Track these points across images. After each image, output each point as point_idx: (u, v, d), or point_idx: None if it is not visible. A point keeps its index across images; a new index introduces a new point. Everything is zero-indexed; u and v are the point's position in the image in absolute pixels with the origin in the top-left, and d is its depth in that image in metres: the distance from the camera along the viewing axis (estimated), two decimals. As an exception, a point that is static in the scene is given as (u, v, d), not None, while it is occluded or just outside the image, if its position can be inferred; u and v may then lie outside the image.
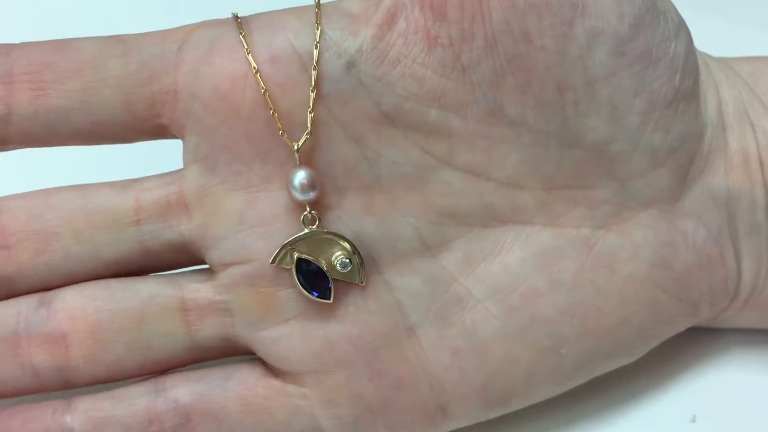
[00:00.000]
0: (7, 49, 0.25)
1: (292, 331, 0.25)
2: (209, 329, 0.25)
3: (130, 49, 0.24)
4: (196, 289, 0.25)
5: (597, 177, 0.25)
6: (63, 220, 0.25)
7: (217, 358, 0.26)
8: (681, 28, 0.25)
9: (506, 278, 0.25)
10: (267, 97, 0.24)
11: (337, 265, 0.24)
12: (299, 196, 0.24)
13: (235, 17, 0.25)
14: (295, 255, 0.24)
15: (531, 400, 0.26)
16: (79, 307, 0.25)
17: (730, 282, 0.27)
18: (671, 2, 0.26)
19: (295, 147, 0.24)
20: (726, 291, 0.27)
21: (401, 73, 0.24)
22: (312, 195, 0.24)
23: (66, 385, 0.25)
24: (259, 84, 0.24)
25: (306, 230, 0.24)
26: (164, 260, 0.26)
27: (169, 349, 0.25)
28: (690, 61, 0.25)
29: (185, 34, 0.25)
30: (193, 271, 0.26)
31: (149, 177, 0.26)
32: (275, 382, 0.25)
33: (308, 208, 0.24)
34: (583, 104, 0.24)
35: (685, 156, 0.26)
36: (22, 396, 0.25)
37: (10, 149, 0.25)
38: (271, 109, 0.24)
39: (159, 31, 0.25)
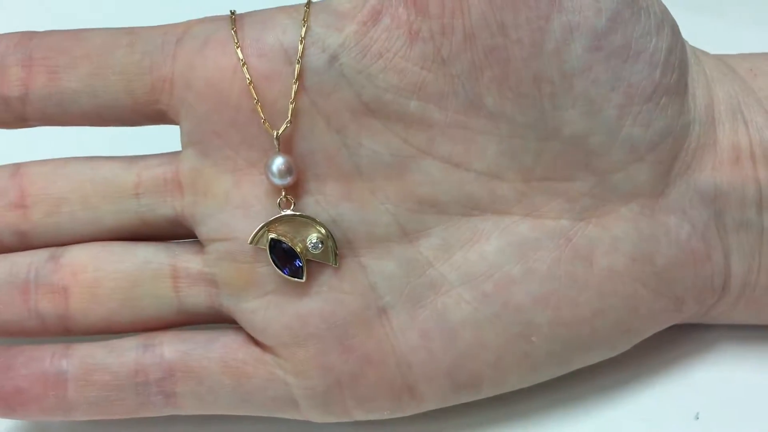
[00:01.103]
0: (31, 35, 0.27)
1: (268, 305, 0.27)
2: (196, 297, 0.28)
3: (136, 39, 0.27)
4: (188, 260, 0.28)
5: (576, 169, 0.26)
6: (72, 187, 0.28)
7: (204, 323, 0.28)
8: (664, 24, 0.26)
9: (482, 266, 0.26)
10: (252, 87, 0.26)
11: (310, 247, 0.26)
12: (276, 181, 0.26)
13: (232, 14, 0.27)
14: (270, 235, 0.26)
15: (503, 388, 0.27)
16: (81, 263, 0.28)
17: (717, 278, 0.27)
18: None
19: (275, 134, 0.26)
20: (712, 287, 0.27)
21: (383, 66, 0.25)
22: (288, 180, 0.26)
23: (66, 332, 0.28)
24: (245, 76, 0.26)
25: (282, 213, 0.26)
26: (161, 231, 0.28)
27: (157, 310, 0.28)
28: (673, 57, 0.26)
29: (186, 28, 0.27)
30: (188, 242, 0.28)
31: (152, 155, 0.28)
32: (255, 350, 0.27)
33: (283, 192, 0.26)
34: (559, 97, 0.25)
35: (668, 151, 0.26)
36: (29, 337, 0.28)
37: (30, 126, 0.28)
38: (254, 99, 0.26)
39: (164, 25, 0.27)
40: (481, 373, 0.27)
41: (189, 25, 0.27)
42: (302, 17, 0.26)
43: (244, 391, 0.27)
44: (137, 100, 0.27)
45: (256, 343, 0.27)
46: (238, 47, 0.26)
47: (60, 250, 0.28)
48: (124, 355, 0.27)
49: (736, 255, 0.27)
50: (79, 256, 0.28)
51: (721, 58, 0.29)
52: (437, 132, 0.26)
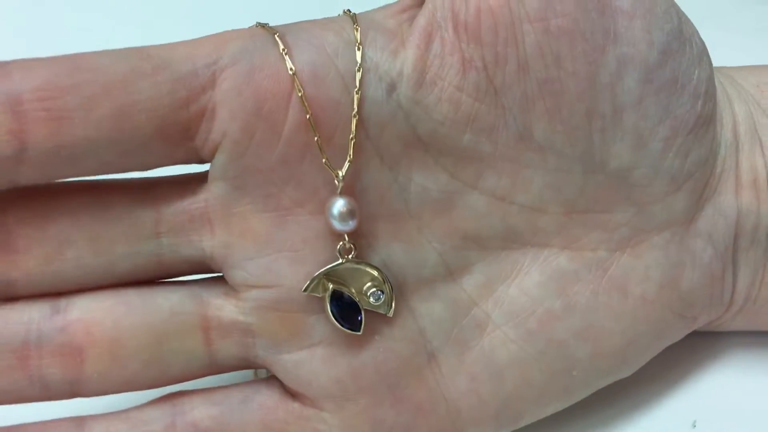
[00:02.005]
0: (6, 68, 0.21)
1: (315, 357, 0.25)
2: (230, 348, 0.25)
3: (160, 65, 0.22)
4: (219, 306, 0.24)
5: (617, 201, 0.26)
6: (79, 226, 0.23)
7: (232, 371, 0.25)
8: (704, 54, 0.26)
9: (524, 302, 0.26)
10: (312, 122, 0.23)
11: (370, 298, 0.24)
12: (339, 226, 0.23)
13: (269, 30, 0.23)
14: (330, 286, 0.24)
15: (540, 417, 0.27)
16: (96, 319, 0.24)
17: (726, 293, 0.28)
18: (695, 27, 0.26)
19: (339, 175, 0.23)
20: (722, 302, 0.28)
21: (438, 96, 0.23)
22: (351, 224, 0.23)
23: (73, 396, 0.24)
24: (304, 107, 0.23)
25: (341, 260, 0.24)
26: (180, 271, 0.25)
27: (186, 366, 0.24)
28: (711, 86, 0.26)
29: (216, 46, 0.23)
30: (215, 281, 0.25)
31: (170, 182, 0.24)
32: (295, 406, 0.25)
33: (346, 238, 0.24)
34: (609, 131, 0.24)
35: (701, 179, 0.26)
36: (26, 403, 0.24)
37: (18, 185, 0.23)
38: (316, 137, 0.23)
39: (183, 44, 0.23)
40: (524, 410, 0.26)
41: (218, 42, 0.23)
42: (351, 36, 0.23)
43: None
44: (170, 141, 0.23)
45: (294, 396, 0.25)
46: (293, 73, 0.23)
47: (63, 301, 0.24)
48: (151, 427, 0.24)
49: (743, 272, 0.28)
50: (90, 309, 0.24)
51: (729, 74, 0.29)
52: (485, 165, 0.24)
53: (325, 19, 0.25)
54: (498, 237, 0.25)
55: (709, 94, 0.26)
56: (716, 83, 0.27)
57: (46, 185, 0.23)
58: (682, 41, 0.25)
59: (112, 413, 0.24)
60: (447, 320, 0.25)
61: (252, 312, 0.24)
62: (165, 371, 0.24)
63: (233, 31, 0.24)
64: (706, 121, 0.26)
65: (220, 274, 0.25)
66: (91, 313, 0.24)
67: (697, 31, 0.26)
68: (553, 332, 0.26)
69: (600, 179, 0.25)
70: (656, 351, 0.28)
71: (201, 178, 0.24)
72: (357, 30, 0.23)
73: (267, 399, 0.25)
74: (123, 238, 0.23)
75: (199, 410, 0.24)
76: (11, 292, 0.23)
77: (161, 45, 0.23)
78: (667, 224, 0.26)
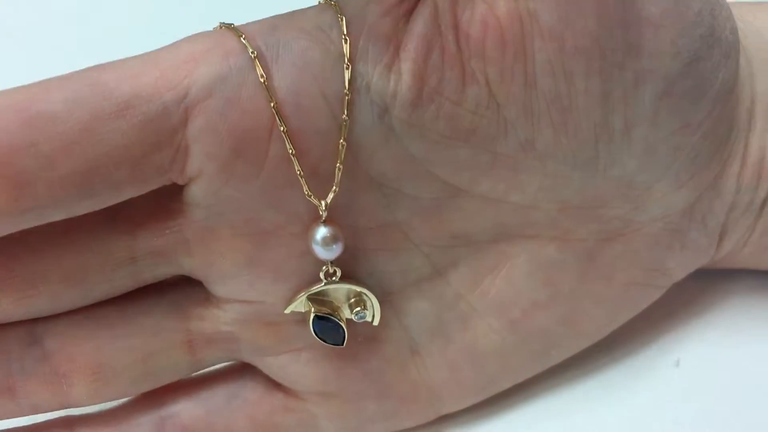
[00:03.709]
0: None
1: (300, 360, 0.25)
2: (215, 354, 0.25)
3: (124, 105, 0.20)
4: (201, 317, 0.24)
5: (614, 199, 0.24)
6: (50, 263, 0.22)
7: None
8: (732, 48, 0.23)
9: (509, 293, 0.25)
10: (295, 158, 0.21)
11: (354, 317, 0.24)
12: (323, 254, 0.23)
13: (251, 51, 0.21)
14: (313, 311, 0.23)
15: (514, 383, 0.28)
16: (78, 346, 0.23)
17: (710, 256, 0.28)
18: (729, 12, 0.23)
19: (323, 205, 0.22)
20: (703, 262, 0.28)
21: (434, 114, 0.22)
22: (336, 250, 0.23)
23: (65, 408, 0.24)
24: (285, 143, 0.21)
25: (325, 283, 0.23)
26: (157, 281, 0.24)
27: (173, 374, 0.24)
28: (734, 83, 0.24)
29: (186, 73, 0.20)
30: (195, 287, 0.24)
31: (143, 203, 0.22)
32: (279, 396, 0.25)
33: (329, 263, 0.23)
34: (617, 143, 0.23)
35: (706, 175, 0.25)
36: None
37: None
38: (298, 172, 0.21)
39: (148, 69, 0.20)
40: (502, 386, 0.27)
41: (188, 67, 0.20)
42: (341, 49, 0.21)
43: None
44: (143, 181, 0.21)
45: (278, 387, 0.25)
46: (274, 106, 0.20)
47: (40, 328, 0.23)
48: (139, 430, 0.24)
49: (730, 236, 0.27)
50: (70, 336, 0.23)
51: (762, 33, 0.26)
52: (481, 173, 0.23)
53: (308, 18, 0.22)
54: (488, 233, 0.24)
55: (733, 94, 0.24)
56: (741, 56, 0.24)
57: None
58: (711, 43, 0.22)
59: (101, 415, 0.25)
60: (431, 316, 0.25)
61: (235, 323, 0.24)
62: (153, 382, 0.24)
63: (204, 43, 0.21)
64: (722, 120, 0.24)
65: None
66: (72, 341, 0.23)
67: (730, 18, 0.23)
68: (536, 321, 0.26)
69: (599, 182, 0.24)
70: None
71: (176, 194, 0.22)
72: (346, 41, 0.21)
73: (251, 393, 0.25)
74: (97, 268, 0.22)
75: (186, 411, 0.25)
76: None
77: (123, 71, 0.20)
78: (662, 216, 0.25)
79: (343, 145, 0.21)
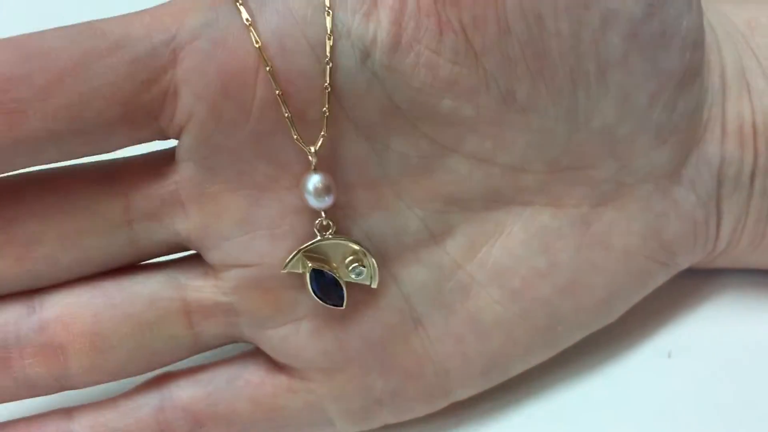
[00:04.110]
0: None
1: (300, 331, 0.24)
2: (213, 328, 0.24)
3: (115, 45, 0.21)
4: (198, 289, 0.24)
5: (600, 157, 0.25)
6: (46, 224, 0.22)
7: (219, 347, 0.25)
8: (693, 0, 0.24)
9: (508, 261, 0.25)
10: (281, 98, 0.22)
11: (352, 274, 0.24)
12: (315, 203, 0.23)
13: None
14: (309, 266, 0.23)
15: (526, 368, 0.27)
16: (74, 314, 0.23)
17: (710, 239, 0.28)
18: None
19: (312, 151, 0.22)
20: (705, 247, 0.28)
21: (414, 61, 0.22)
22: (328, 201, 0.23)
23: (62, 389, 0.24)
24: (272, 84, 0.21)
25: (320, 237, 0.23)
26: (155, 255, 0.24)
27: (172, 350, 0.24)
28: (700, 34, 0.25)
29: (174, 19, 0.21)
30: (192, 261, 0.24)
31: (135, 162, 0.23)
32: (282, 378, 0.25)
33: (323, 215, 0.23)
34: (594, 89, 0.23)
35: (687, 131, 0.26)
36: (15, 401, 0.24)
37: None
38: (286, 114, 0.22)
39: (139, 16, 0.21)
40: (511, 366, 0.26)
41: (177, 15, 0.21)
42: (323, 1, 0.22)
43: (278, 424, 0.25)
44: (134, 124, 0.21)
45: (281, 369, 0.25)
46: (259, 46, 0.21)
47: (37, 300, 0.23)
48: (140, 414, 0.24)
49: (726, 218, 0.27)
50: (67, 304, 0.23)
51: (719, 10, 0.28)
52: (466, 129, 0.23)
53: None
54: (480, 198, 0.25)
55: (698, 44, 0.24)
56: (705, 25, 0.25)
57: (7, 186, 0.23)
58: None
59: (100, 403, 0.24)
60: (431, 285, 0.25)
61: (233, 291, 0.24)
62: (151, 359, 0.24)
63: None
64: (694, 72, 0.25)
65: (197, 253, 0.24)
66: (68, 309, 0.23)
67: None
68: (536, 290, 0.25)
69: (584, 137, 0.24)
70: (639, 298, 0.28)
71: (169, 157, 0.23)
72: None
73: (253, 375, 0.25)
74: (93, 230, 0.23)
75: (186, 393, 0.24)
76: None
77: (116, 18, 0.21)
78: (650, 176, 0.26)
79: (327, 89, 0.22)
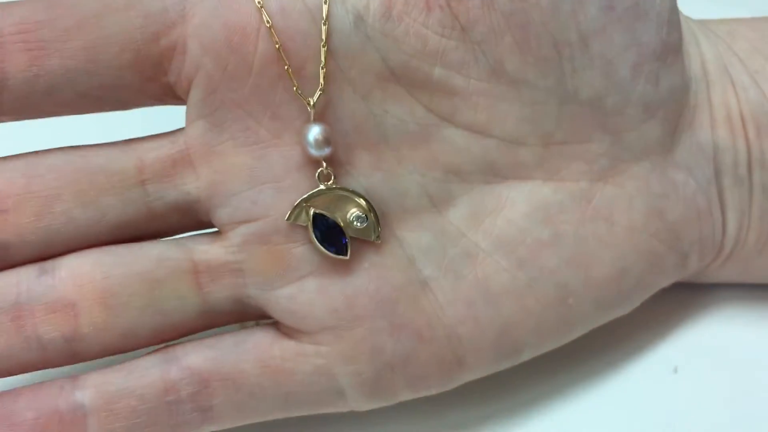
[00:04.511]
0: None
1: (308, 288, 0.25)
2: (221, 291, 0.25)
3: (133, 2, 0.23)
4: (205, 251, 0.25)
5: (593, 131, 0.26)
6: (64, 181, 0.24)
7: (229, 323, 0.25)
8: None
9: (512, 232, 0.26)
10: (281, 51, 0.24)
11: (354, 222, 0.24)
12: (314, 152, 0.24)
13: None
14: (312, 211, 0.24)
15: (539, 352, 0.27)
16: (85, 272, 0.24)
17: (717, 234, 0.28)
18: None
19: (311, 102, 0.24)
20: (713, 243, 0.28)
21: (405, 30, 0.24)
22: (327, 151, 0.24)
23: (73, 358, 0.24)
24: (272, 38, 0.24)
25: (321, 186, 0.24)
26: (169, 223, 0.25)
27: (181, 313, 0.24)
28: (674, 15, 0.27)
29: None
30: (199, 234, 0.25)
31: (149, 137, 0.25)
32: (291, 343, 0.25)
33: (324, 164, 0.24)
34: (578, 59, 0.25)
35: (674, 108, 0.27)
36: (27, 372, 0.24)
37: (2, 121, 0.24)
38: (286, 65, 0.24)
39: None
40: (524, 340, 0.26)
41: None
42: None
43: (287, 390, 0.25)
44: (143, 75, 0.23)
45: (290, 336, 0.25)
46: (261, 5, 0.24)
47: (50, 263, 0.24)
48: (146, 374, 0.24)
49: (731, 212, 0.28)
50: (78, 264, 0.24)
51: (700, 21, 0.30)
52: (460, 100, 0.25)
53: None
54: (479, 171, 0.26)
55: (673, 23, 0.26)
56: (683, 23, 0.28)
57: (30, 153, 0.24)
58: None
59: (106, 368, 0.24)
60: (436, 249, 0.25)
61: (239, 249, 0.24)
62: (162, 320, 0.24)
63: None
64: (673, 49, 0.26)
65: (206, 231, 0.25)
66: (79, 268, 0.24)
67: None
68: (543, 260, 0.26)
69: (575, 109, 0.26)
70: (651, 287, 0.28)
71: (180, 130, 0.25)
72: None
73: (261, 340, 0.25)
74: (108, 187, 0.24)
75: (193, 354, 0.24)
76: (7, 257, 0.24)
77: None
78: (644, 153, 0.27)
79: (324, 46, 0.24)
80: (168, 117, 0.26)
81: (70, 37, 0.23)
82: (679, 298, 0.31)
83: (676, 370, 0.30)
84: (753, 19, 0.30)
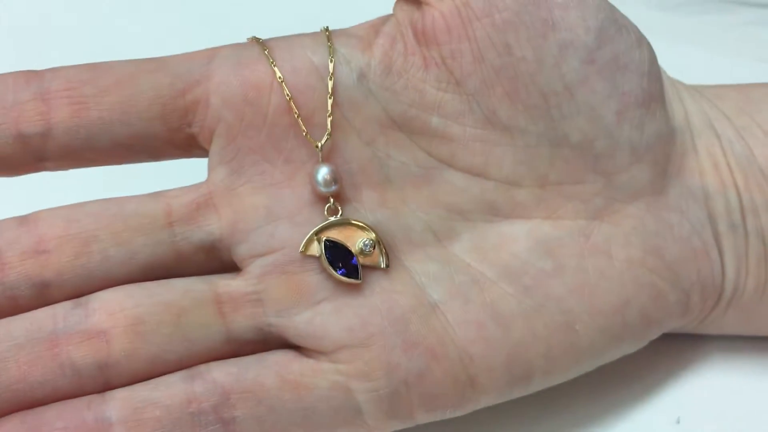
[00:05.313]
0: (40, 73, 0.27)
1: (323, 311, 0.27)
2: (243, 320, 0.27)
3: (162, 66, 0.27)
4: (227, 284, 0.27)
5: (585, 172, 0.28)
6: (101, 224, 0.26)
7: (254, 352, 0.27)
8: (642, 40, 0.29)
9: (516, 263, 0.28)
10: (291, 102, 0.27)
11: (364, 249, 0.27)
12: (323, 189, 0.27)
13: (256, 39, 0.28)
14: (323, 238, 0.27)
15: (551, 380, 0.28)
16: (116, 303, 0.26)
17: (716, 276, 0.29)
18: (629, 20, 0.29)
19: (318, 145, 0.27)
20: (713, 284, 0.29)
21: (404, 84, 0.27)
22: (334, 188, 0.27)
23: (106, 385, 0.26)
24: (284, 91, 0.27)
25: (331, 218, 0.27)
26: (195, 263, 0.27)
27: (207, 340, 0.26)
28: (654, 68, 0.29)
29: (212, 52, 0.28)
30: (222, 274, 0.28)
31: (175, 189, 0.28)
32: (310, 361, 0.27)
33: (331, 200, 0.27)
34: (565, 106, 0.28)
35: (662, 152, 0.29)
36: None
37: (45, 169, 0.27)
38: (295, 113, 0.27)
39: (185, 53, 0.28)
40: (534, 364, 0.28)
41: (215, 50, 0.28)
42: (325, 40, 0.28)
43: (306, 405, 0.26)
44: (171, 126, 0.27)
45: (308, 355, 0.27)
46: (273, 65, 0.27)
47: (84, 298, 0.26)
48: (171, 387, 0.26)
49: (728, 256, 0.29)
50: (110, 297, 0.26)
51: (686, 84, 0.32)
52: (458, 146, 0.28)
53: (305, 33, 0.29)
54: (479, 210, 0.28)
55: (653, 75, 0.29)
56: (666, 80, 0.30)
57: (71, 204, 0.27)
58: (618, 27, 0.28)
59: (132, 385, 0.26)
60: (443, 276, 0.27)
61: (258, 281, 0.27)
62: (188, 347, 0.26)
63: (229, 44, 0.28)
64: (656, 97, 0.28)
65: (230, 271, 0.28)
66: (111, 301, 0.26)
67: (632, 23, 0.29)
68: (548, 288, 0.28)
69: (567, 152, 0.28)
70: (658, 324, 0.29)
71: (204, 181, 0.28)
72: (328, 33, 0.28)
73: (281, 357, 0.27)
74: (140, 229, 0.27)
75: (216, 370, 0.26)
76: (46, 295, 0.26)
77: (168, 55, 0.28)
78: (637, 194, 0.28)
79: (331, 98, 0.27)
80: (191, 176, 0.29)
81: (107, 93, 0.26)
82: (682, 348, 0.32)
83: (678, 421, 0.30)
84: (739, 85, 0.32)
